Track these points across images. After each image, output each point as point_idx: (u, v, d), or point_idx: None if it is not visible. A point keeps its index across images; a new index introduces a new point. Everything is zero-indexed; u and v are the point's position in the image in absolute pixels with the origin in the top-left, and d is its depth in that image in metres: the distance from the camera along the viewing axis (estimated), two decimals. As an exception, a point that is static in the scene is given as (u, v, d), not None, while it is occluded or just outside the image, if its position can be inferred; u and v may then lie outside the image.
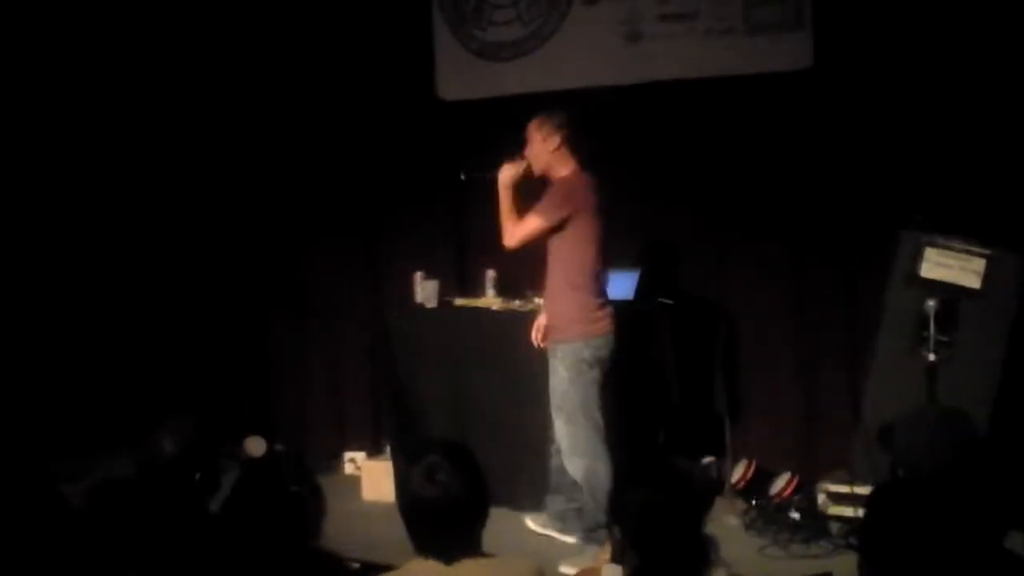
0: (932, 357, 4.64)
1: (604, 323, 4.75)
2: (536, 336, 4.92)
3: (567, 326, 4.74)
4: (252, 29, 6.57)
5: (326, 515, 2.92)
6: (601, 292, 4.81)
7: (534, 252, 6.00)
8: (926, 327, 4.70)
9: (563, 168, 4.79)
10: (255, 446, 6.23)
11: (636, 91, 5.79)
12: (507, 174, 4.82)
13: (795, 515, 4.87)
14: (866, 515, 2.56)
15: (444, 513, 2.67)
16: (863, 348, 5.26)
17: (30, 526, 3.00)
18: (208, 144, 6.70)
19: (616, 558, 2.73)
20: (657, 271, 5.65)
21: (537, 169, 4.83)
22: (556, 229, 4.70)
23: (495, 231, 5.91)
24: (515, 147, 5.84)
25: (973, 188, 5.09)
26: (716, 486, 5.29)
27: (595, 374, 4.72)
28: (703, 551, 2.70)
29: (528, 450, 5.33)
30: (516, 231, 4.76)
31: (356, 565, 3.55)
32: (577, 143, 4.83)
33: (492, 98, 6.11)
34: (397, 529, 2.83)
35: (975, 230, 4.85)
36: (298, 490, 2.79)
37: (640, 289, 5.50)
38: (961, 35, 5.10)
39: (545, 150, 4.79)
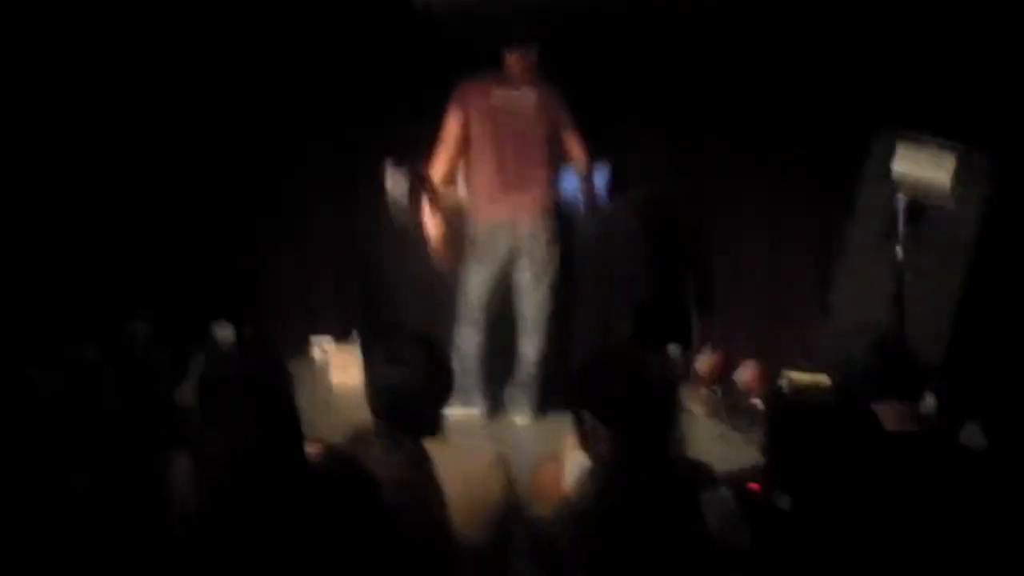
0: (900, 253, 4.66)
1: (487, 210, 5.15)
2: None
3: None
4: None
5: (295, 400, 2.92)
6: (490, 182, 5.14)
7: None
8: (896, 222, 4.70)
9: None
10: (222, 332, 6.25)
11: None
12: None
13: (756, 402, 4.94)
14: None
15: (406, 393, 2.70)
16: (833, 243, 5.29)
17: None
18: (179, 46, 6.53)
19: (584, 445, 2.74)
20: (629, 166, 5.62)
21: None
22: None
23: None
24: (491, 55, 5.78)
25: (946, 88, 5.07)
26: (678, 374, 5.34)
27: (473, 253, 5.19)
28: (676, 436, 2.73)
29: (497, 335, 5.36)
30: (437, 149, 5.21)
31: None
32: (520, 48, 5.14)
33: (470, 4, 5.97)
34: (366, 413, 2.86)
35: (946, 130, 4.84)
36: (267, 375, 2.79)
37: (609, 183, 5.47)
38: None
39: None
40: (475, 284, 5.20)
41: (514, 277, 5.20)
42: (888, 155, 4.80)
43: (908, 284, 4.65)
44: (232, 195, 6.67)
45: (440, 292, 5.53)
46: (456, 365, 4.80)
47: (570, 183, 5.45)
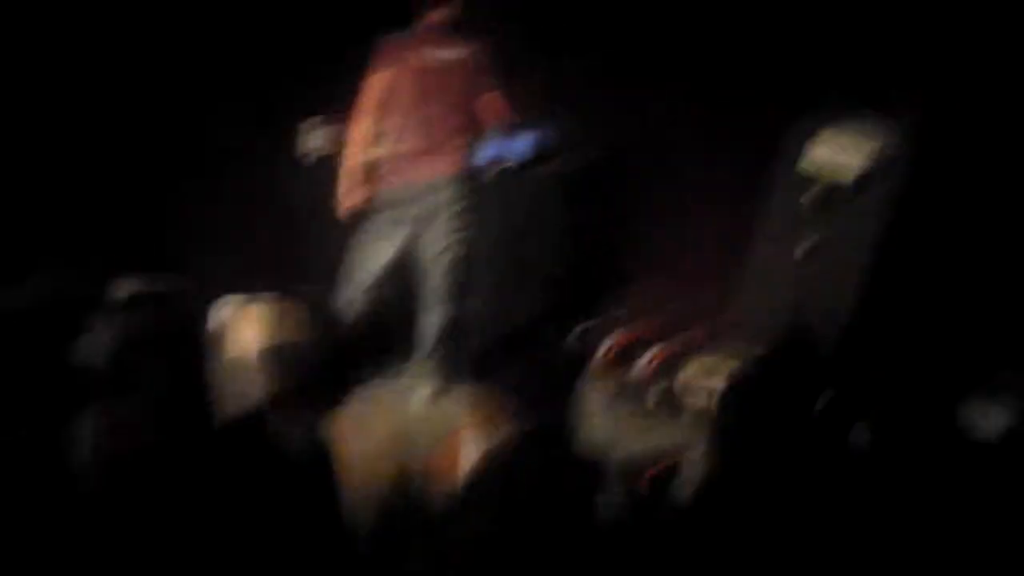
0: (812, 239, 4.71)
1: (403, 173, 5.08)
2: None
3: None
4: None
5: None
6: (410, 143, 5.07)
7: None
8: (805, 211, 4.76)
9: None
10: (129, 286, 6.12)
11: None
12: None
13: (662, 385, 4.96)
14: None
15: (309, 364, 2.70)
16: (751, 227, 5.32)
17: None
18: None
19: (487, 425, 2.75)
20: (562, 126, 5.58)
21: None
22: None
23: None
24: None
25: (866, 71, 5.12)
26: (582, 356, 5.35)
27: (380, 219, 5.11)
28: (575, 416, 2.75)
29: (402, 310, 5.34)
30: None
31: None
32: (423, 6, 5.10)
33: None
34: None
35: (864, 115, 4.89)
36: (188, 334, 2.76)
37: (537, 149, 5.44)
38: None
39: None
40: (378, 255, 5.12)
41: (420, 244, 5.13)
42: (801, 144, 4.85)
43: (810, 276, 4.73)
44: (148, 144, 6.56)
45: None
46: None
47: (497, 148, 5.41)
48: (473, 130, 5.20)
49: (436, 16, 5.09)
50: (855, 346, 4.56)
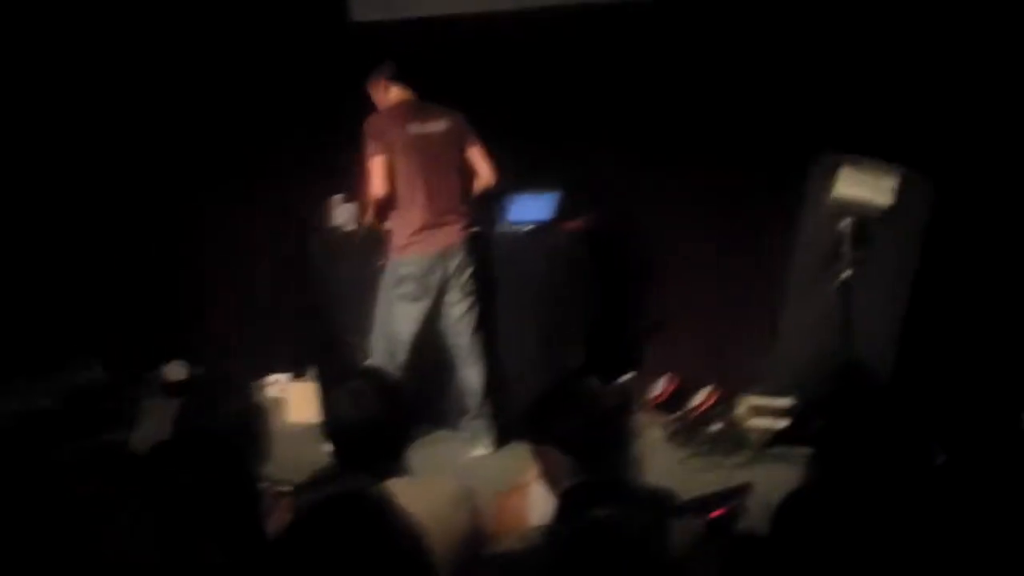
0: (846, 275, 4.73)
1: (418, 245, 5.12)
2: None
3: (387, 247, 5.21)
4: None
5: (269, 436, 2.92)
6: (418, 216, 5.12)
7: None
8: (840, 245, 4.78)
9: (381, 105, 5.26)
10: (175, 371, 6.19)
11: (559, 13, 5.75)
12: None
13: (714, 427, 4.97)
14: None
15: (369, 434, 2.70)
16: (782, 266, 5.35)
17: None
18: (116, 66, 6.53)
19: (546, 477, 2.75)
20: (578, 192, 5.67)
21: None
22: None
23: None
24: (429, 72, 5.84)
25: (886, 112, 5.17)
26: (631, 401, 5.36)
27: (402, 290, 5.13)
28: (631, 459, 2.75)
29: (449, 371, 5.38)
30: (368, 183, 5.16)
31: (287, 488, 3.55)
32: (400, 79, 5.23)
33: (407, 20, 6.03)
34: (323, 453, 2.85)
35: (887, 153, 4.93)
36: (244, 413, 2.78)
37: (559, 210, 5.51)
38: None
39: (381, 98, 5.26)
40: (406, 323, 5.16)
41: (444, 311, 5.21)
42: (830, 178, 4.89)
43: (854, 307, 4.74)
44: (185, 232, 6.65)
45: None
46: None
47: (519, 208, 5.50)
48: (469, 191, 5.32)
49: (399, 95, 5.20)
50: (909, 369, 4.56)
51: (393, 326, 5.15)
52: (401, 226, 5.15)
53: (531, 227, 5.42)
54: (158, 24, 6.43)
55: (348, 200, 5.74)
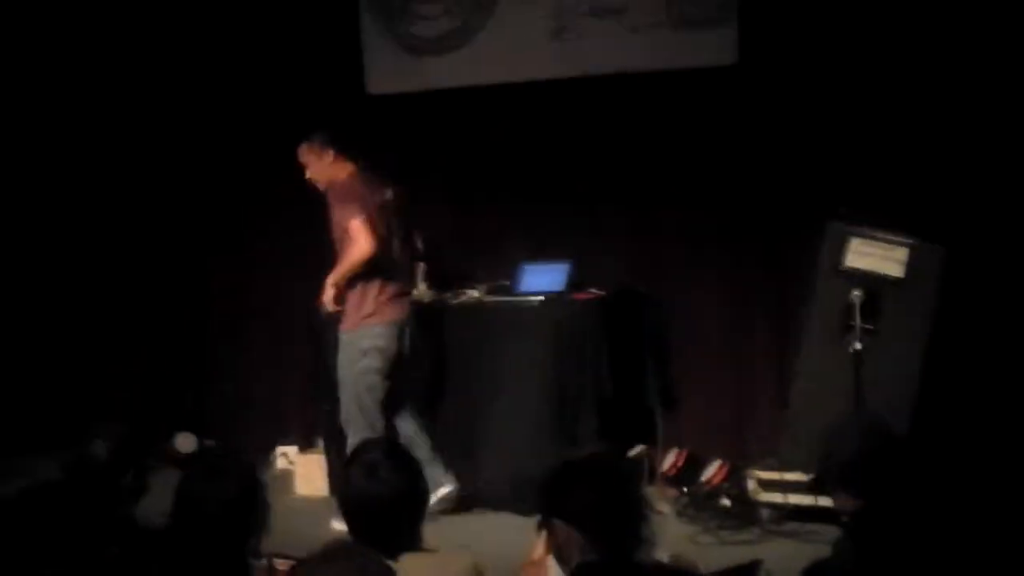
0: (857, 346, 4.71)
1: (383, 314, 5.09)
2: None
3: (348, 315, 5.12)
4: (183, 22, 6.50)
5: (269, 510, 2.90)
6: (384, 283, 5.12)
7: (465, 245, 6.08)
8: (851, 316, 4.77)
9: (342, 174, 5.17)
10: (185, 442, 6.18)
11: (564, 86, 5.82)
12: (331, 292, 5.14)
13: (726, 502, 4.92)
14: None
15: (385, 509, 2.68)
16: (791, 337, 5.35)
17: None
18: (140, 136, 6.62)
19: (559, 553, 2.72)
20: (589, 263, 5.69)
21: (323, 186, 5.21)
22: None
23: (426, 225, 5.94)
24: (444, 143, 5.90)
25: (896, 181, 5.20)
26: (641, 475, 5.33)
27: (370, 361, 5.07)
28: (644, 535, 2.72)
29: (461, 443, 5.36)
30: (360, 241, 5.02)
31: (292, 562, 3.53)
32: (349, 151, 5.21)
33: (421, 92, 6.11)
34: (332, 526, 2.84)
35: (898, 223, 4.95)
36: (241, 487, 2.76)
37: (571, 281, 5.53)
38: (881, 30, 5.21)
39: (324, 166, 5.20)
40: (375, 393, 5.11)
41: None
42: (840, 248, 4.91)
43: (864, 377, 4.72)
44: (194, 304, 6.68)
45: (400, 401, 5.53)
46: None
47: (530, 278, 5.52)
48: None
49: (348, 165, 5.19)
50: (924, 439, 4.53)
51: (364, 399, 5.09)
52: (363, 294, 5.10)
53: (542, 297, 5.42)
54: (175, 91, 6.53)
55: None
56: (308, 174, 5.23)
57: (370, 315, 5.08)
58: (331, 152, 5.17)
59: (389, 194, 5.22)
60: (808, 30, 5.34)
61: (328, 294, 5.10)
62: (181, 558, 2.73)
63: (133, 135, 6.63)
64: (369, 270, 5.07)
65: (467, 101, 6.01)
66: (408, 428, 5.19)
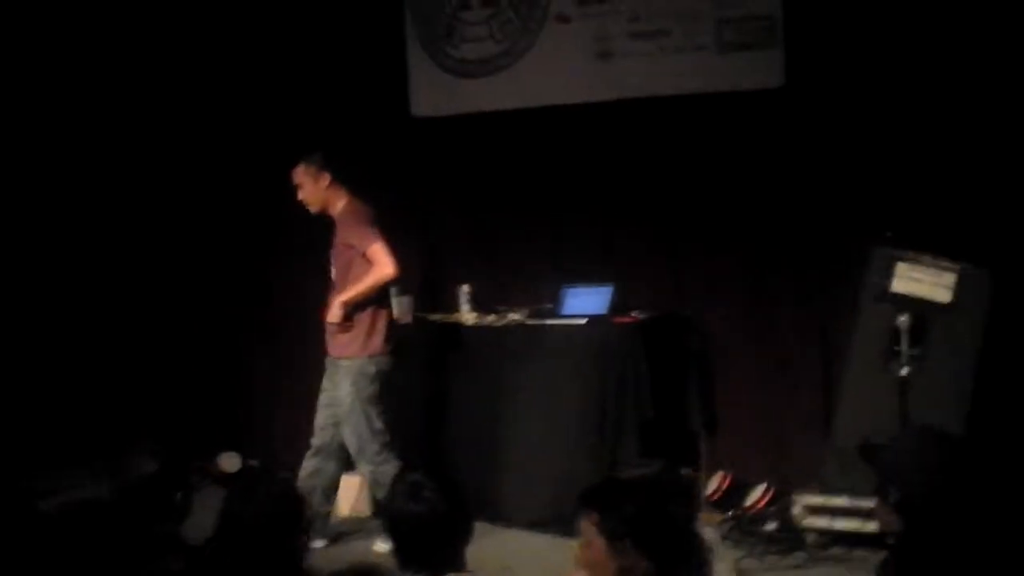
0: (904, 371, 4.67)
1: (388, 342, 5.13)
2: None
3: (354, 341, 5.07)
4: (221, 44, 6.58)
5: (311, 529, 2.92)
6: (389, 312, 5.18)
7: (507, 265, 6.08)
8: (898, 341, 4.73)
9: (339, 200, 5.15)
10: (229, 462, 6.22)
11: (608, 109, 5.83)
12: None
13: (771, 527, 4.89)
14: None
15: (430, 530, 2.68)
16: (836, 362, 5.31)
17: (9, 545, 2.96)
18: (180, 161, 6.69)
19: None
20: (632, 286, 5.68)
21: (315, 208, 5.19)
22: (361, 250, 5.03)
23: (469, 246, 5.95)
24: (489, 165, 5.92)
25: (943, 205, 5.16)
26: (692, 495, 5.30)
27: (377, 387, 5.07)
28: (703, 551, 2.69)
29: (502, 462, 5.35)
30: (384, 263, 5.01)
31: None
32: (343, 176, 5.18)
33: (465, 115, 6.14)
34: (373, 546, 2.84)
35: (945, 246, 4.91)
36: (288, 506, 2.78)
37: (614, 304, 5.52)
38: (928, 54, 5.17)
39: (319, 189, 5.14)
40: (380, 420, 5.10)
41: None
42: (886, 272, 4.87)
43: (911, 403, 4.67)
44: (235, 322, 6.73)
45: (443, 423, 5.55)
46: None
47: (573, 301, 5.53)
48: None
49: (342, 191, 5.17)
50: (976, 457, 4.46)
51: (375, 423, 5.07)
52: (373, 321, 5.10)
53: (585, 320, 5.42)
54: (226, 110, 6.61)
55: (402, 293, 5.78)
56: (300, 195, 5.18)
57: (380, 342, 5.09)
58: (327, 176, 5.12)
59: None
60: (855, 52, 5.32)
61: (336, 314, 5.07)
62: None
63: (182, 155, 6.71)
64: (381, 297, 5.10)
65: (511, 124, 6.02)
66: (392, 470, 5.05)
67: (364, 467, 5.08)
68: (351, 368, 5.07)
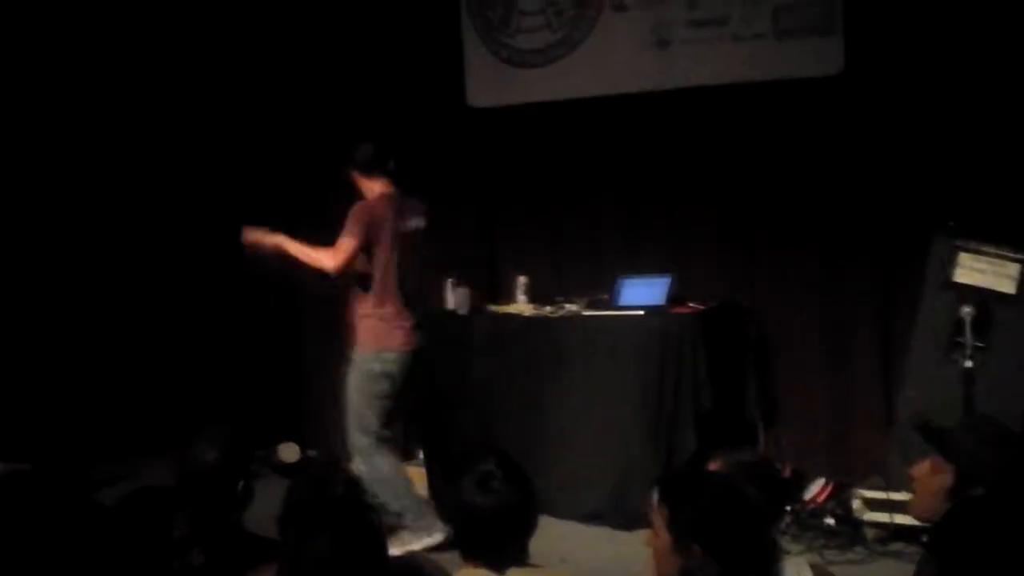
0: (968, 363, 4.61)
1: (396, 340, 5.00)
2: None
3: (364, 337, 5.00)
4: (286, 39, 6.64)
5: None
6: (400, 311, 5.02)
7: (565, 256, 6.07)
8: (961, 332, 4.67)
9: (369, 193, 5.06)
10: (288, 452, 6.27)
11: (666, 98, 5.79)
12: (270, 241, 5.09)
13: (830, 521, 4.85)
14: (942, 523, 2.53)
15: (497, 522, 2.68)
16: (896, 353, 5.25)
17: (64, 534, 2.99)
18: (248, 154, 6.75)
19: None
20: (689, 277, 5.66)
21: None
22: (366, 247, 4.94)
23: (526, 237, 5.93)
24: (546, 156, 5.91)
25: (1006, 194, 5.08)
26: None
27: (382, 387, 4.98)
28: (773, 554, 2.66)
29: (559, 456, 5.35)
30: (335, 255, 4.92)
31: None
32: (382, 169, 5.06)
33: (522, 105, 6.13)
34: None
35: (1008, 236, 4.83)
36: (348, 494, 2.78)
37: (671, 295, 5.49)
38: (992, 39, 5.09)
39: (357, 185, 5.10)
40: (384, 417, 5.04)
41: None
42: (948, 263, 4.81)
43: (975, 395, 4.61)
44: (296, 313, 6.78)
45: (500, 415, 5.56)
46: (392, 495, 4.90)
47: (631, 292, 5.51)
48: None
49: (385, 185, 5.08)
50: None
51: (371, 423, 5.01)
52: (380, 318, 5.01)
53: (643, 311, 5.40)
54: (280, 102, 6.66)
55: (460, 284, 5.79)
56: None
57: (387, 341, 5.00)
58: (355, 172, 5.08)
59: (422, 223, 5.13)
60: (915, 38, 5.24)
61: (263, 238, 5.09)
62: (292, 565, 2.75)
63: (237, 150, 6.76)
64: (383, 294, 4.98)
65: (567, 114, 6.01)
66: (386, 466, 5.08)
67: (361, 466, 5.00)
68: (357, 362, 5.03)
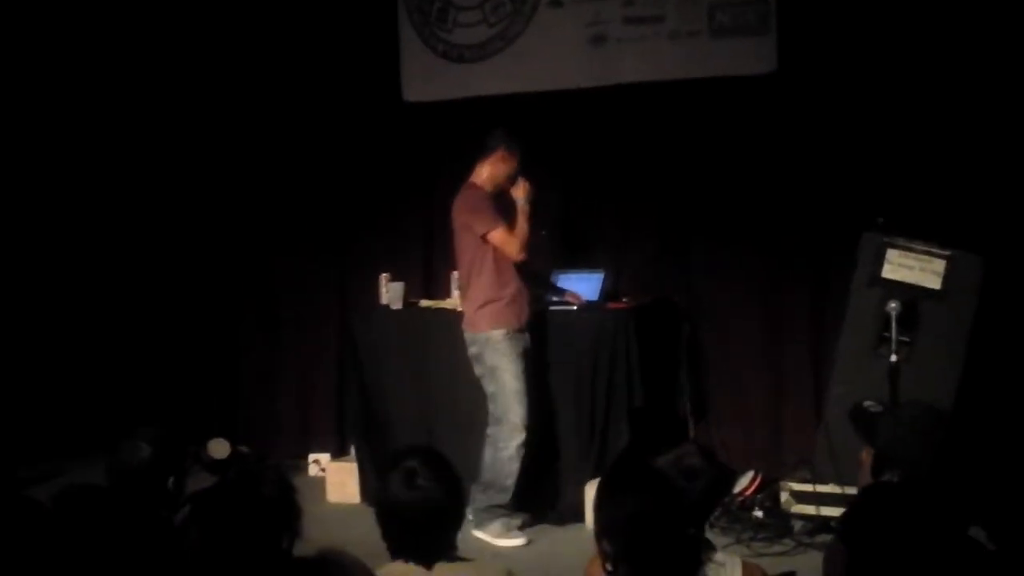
0: (894, 357, 4.68)
1: (527, 316, 5.12)
2: None
3: (508, 316, 5.05)
4: (215, 34, 6.56)
5: (302, 516, 2.90)
6: (522, 287, 5.12)
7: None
8: (888, 327, 4.74)
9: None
10: (218, 448, 6.19)
11: (603, 94, 5.82)
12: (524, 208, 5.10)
13: (758, 514, 4.90)
14: (851, 511, 2.56)
15: (423, 517, 2.68)
16: (826, 348, 5.33)
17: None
18: (176, 151, 6.67)
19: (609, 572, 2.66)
20: (621, 273, 5.69)
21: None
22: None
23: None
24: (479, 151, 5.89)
25: (934, 191, 5.17)
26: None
27: (526, 363, 5.07)
28: (695, 554, 2.67)
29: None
30: (510, 245, 5.03)
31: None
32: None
33: (458, 100, 6.12)
34: (362, 531, 2.85)
35: (936, 232, 4.92)
36: (276, 493, 2.76)
37: (604, 291, 5.52)
38: (921, 41, 5.18)
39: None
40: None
41: None
42: (877, 259, 4.88)
43: (901, 389, 4.68)
44: (230, 310, 6.72)
45: (433, 410, 5.55)
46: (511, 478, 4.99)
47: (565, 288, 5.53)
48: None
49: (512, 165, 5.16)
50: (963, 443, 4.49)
51: (524, 398, 5.05)
52: (521, 298, 5.11)
53: (577, 307, 5.42)
54: (209, 99, 6.59)
55: (395, 279, 5.78)
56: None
57: (524, 320, 5.10)
58: (503, 152, 5.14)
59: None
60: (847, 38, 5.33)
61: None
62: (214, 563, 2.73)
63: (176, 147, 6.68)
64: (507, 275, 5.06)
65: (503, 109, 6.02)
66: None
67: (506, 435, 5.06)
68: (506, 341, 5.06)
